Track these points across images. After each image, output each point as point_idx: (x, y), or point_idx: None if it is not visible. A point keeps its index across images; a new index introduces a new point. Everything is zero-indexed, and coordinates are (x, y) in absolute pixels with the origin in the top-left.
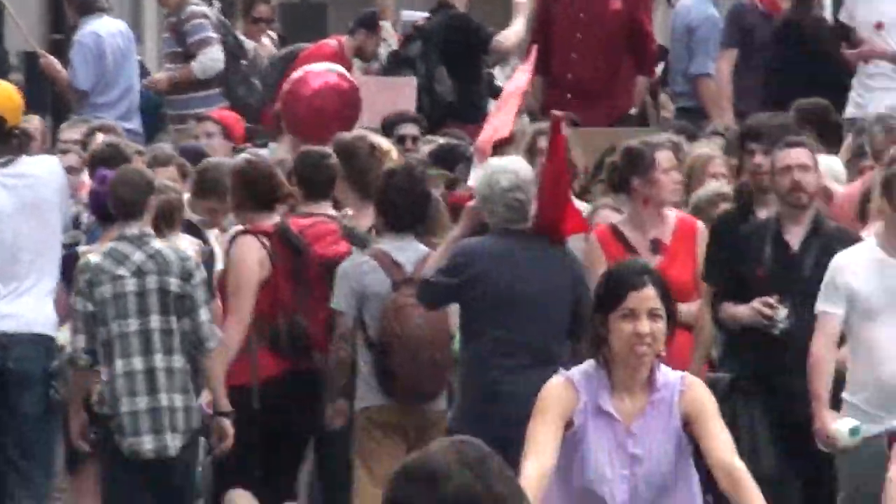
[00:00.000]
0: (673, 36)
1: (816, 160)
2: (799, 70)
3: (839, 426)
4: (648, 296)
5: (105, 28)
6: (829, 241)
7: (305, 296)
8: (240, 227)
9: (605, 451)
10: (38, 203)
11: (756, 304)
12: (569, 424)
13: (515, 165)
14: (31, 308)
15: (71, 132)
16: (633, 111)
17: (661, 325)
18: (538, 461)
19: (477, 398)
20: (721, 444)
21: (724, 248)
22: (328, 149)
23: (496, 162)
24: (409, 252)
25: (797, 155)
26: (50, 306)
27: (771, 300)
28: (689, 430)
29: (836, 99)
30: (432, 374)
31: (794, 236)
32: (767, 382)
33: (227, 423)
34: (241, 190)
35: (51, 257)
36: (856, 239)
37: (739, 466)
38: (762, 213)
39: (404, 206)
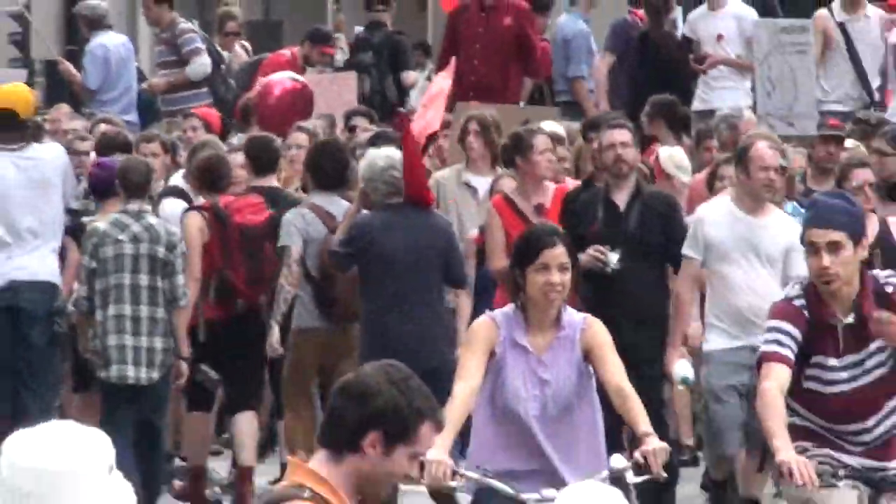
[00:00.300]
0: (553, 46)
1: (635, 138)
2: (654, 74)
3: (677, 370)
4: (558, 253)
5: (110, 40)
6: (649, 200)
7: (229, 257)
8: (185, 205)
9: (520, 376)
10: (44, 181)
11: (590, 250)
12: (492, 355)
13: (388, 151)
14: (38, 262)
15: (72, 123)
16: (521, 104)
17: (568, 277)
18: (466, 383)
19: (377, 338)
20: (613, 370)
21: (568, 213)
22: (272, 135)
23: (374, 150)
24: (336, 206)
25: (619, 134)
26: (54, 260)
27: (602, 248)
28: (589, 360)
29: (683, 96)
30: None
31: (620, 199)
32: (602, 314)
33: (184, 365)
34: (197, 175)
35: (53, 223)
36: (669, 197)
37: (627, 388)
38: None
39: (333, 170)
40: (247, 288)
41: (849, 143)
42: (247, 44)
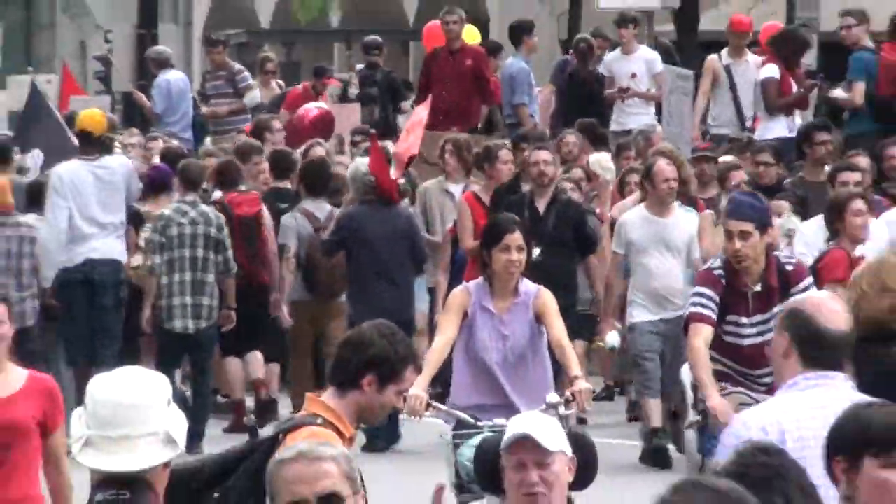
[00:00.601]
0: (501, 81)
1: (555, 158)
2: (581, 102)
3: (608, 338)
4: (517, 237)
5: (172, 76)
6: (564, 207)
7: (233, 240)
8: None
9: (486, 332)
10: (113, 184)
11: None
12: (465, 316)
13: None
14: (108, 245)
15: (130, 139)
16: (479, 125)
17: (524, 256)
18: (442, 337)
19: (363, 302)
20: (557, 330)
21: (499, 207)
22: (290, 149)
23: (359, 158)
24: (321, 210)
25: (543, 154)
26: (121, 243)
27: None
28: (540, 321)
29: (601, 119)
30: (340, 279)
31: (541, 205)
32: None
33: (233, 314)
34: (213, 175)
35: (119, 215)
36: (581, 205)
37: (566, 343)
38: (526, 187)
39: (319, 182)
40: (246, 263)
41: (728, 158)
42: (281, 82)
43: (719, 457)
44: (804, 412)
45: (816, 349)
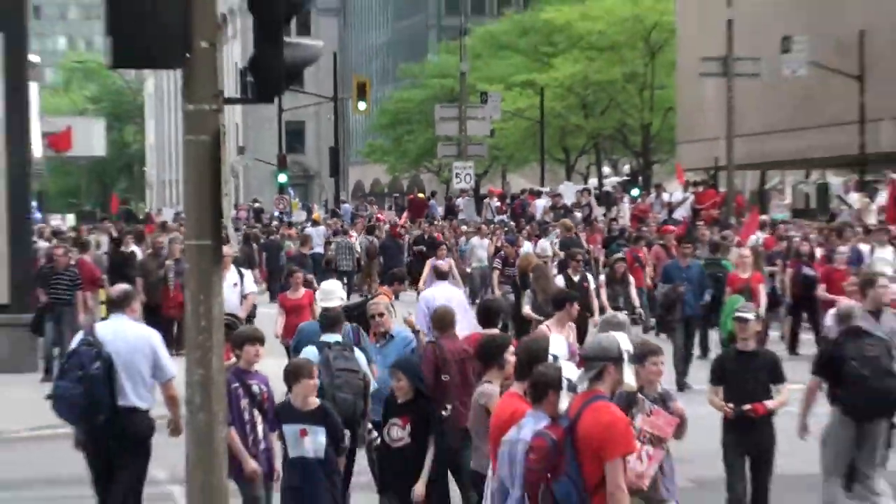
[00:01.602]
0: (429, 207)
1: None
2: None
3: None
4: (443, 247)
5: (347, 206)
6: (429, 241)
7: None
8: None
9: (427, 274)
10: (319, 234)
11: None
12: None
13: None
14: (319, 249)
15: (330, 221)
16: (424, 217)
17: (449, 255)
18: (425, 273)
19: (390, 266)
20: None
21: (418, 239)
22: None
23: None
24: (369, 239)
25: (431, 227)
26: (321, 247)
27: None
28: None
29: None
30: (376, 256)
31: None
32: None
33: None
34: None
35: (321, 240)
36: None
37: (458, 277)
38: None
39: (370, 227)
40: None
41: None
42: (376, 206)
43: (427, 295)
44: (435, 293)
45: (439, 275)
